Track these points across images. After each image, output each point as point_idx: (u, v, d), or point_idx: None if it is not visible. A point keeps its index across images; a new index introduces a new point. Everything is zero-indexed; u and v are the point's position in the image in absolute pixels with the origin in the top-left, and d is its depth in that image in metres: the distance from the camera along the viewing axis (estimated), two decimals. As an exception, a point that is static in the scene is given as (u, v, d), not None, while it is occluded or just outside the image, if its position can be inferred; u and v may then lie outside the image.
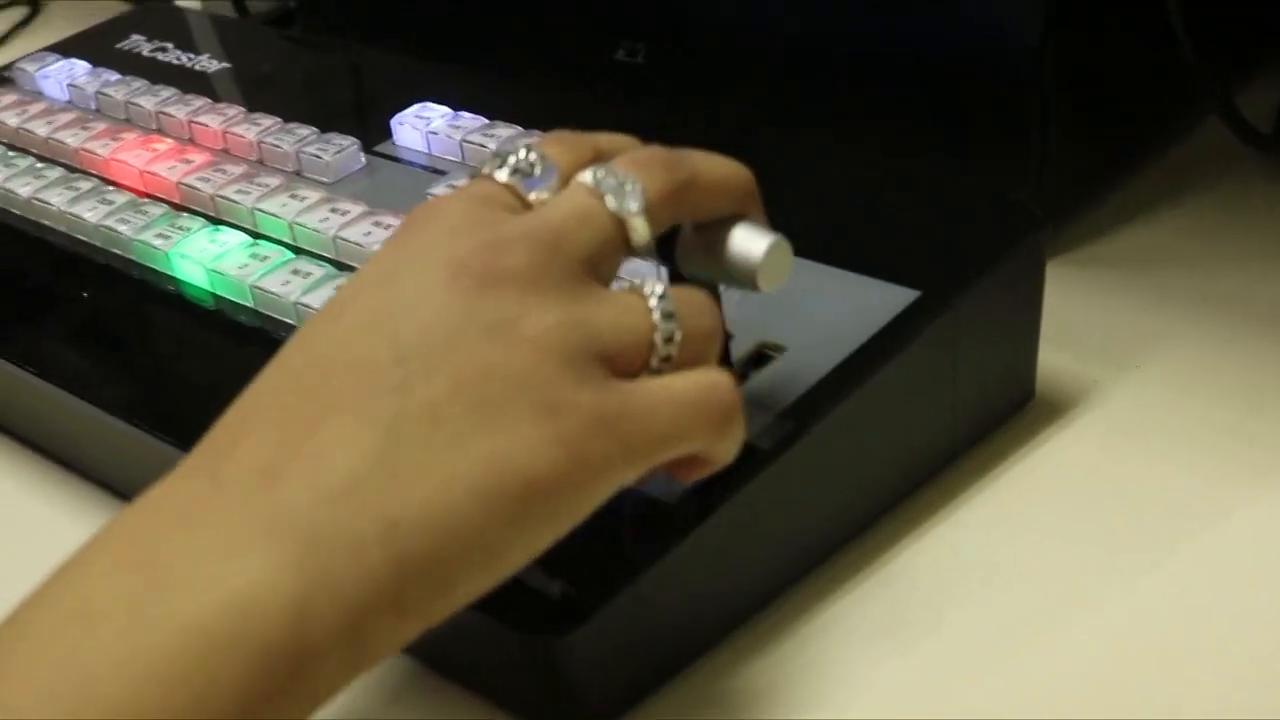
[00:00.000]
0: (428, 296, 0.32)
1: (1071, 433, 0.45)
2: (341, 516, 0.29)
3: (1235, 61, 0.59)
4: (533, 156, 0.35)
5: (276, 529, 0.29)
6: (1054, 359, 0.47)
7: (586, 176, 0.34)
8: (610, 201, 0.34)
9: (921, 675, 0.38)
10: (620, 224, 0.34)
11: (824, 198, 0.48)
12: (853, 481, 0.42)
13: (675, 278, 0.38)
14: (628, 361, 0.33)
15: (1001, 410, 0.46)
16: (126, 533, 0.30)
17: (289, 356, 0.33)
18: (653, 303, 0.33)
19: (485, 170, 0.35)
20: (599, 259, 0.33)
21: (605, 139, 0.37)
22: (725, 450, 0.34)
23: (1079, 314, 0.50)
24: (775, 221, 0.38)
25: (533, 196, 0.34)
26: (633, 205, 0.34)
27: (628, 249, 0.34)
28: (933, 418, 0.43)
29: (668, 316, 0.33)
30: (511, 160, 0.35)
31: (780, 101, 0.58)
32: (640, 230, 0.34)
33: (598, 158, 0.36)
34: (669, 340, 0.33)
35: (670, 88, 0.60)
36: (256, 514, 0.29)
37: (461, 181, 0.51)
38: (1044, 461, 0.44)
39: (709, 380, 0.33)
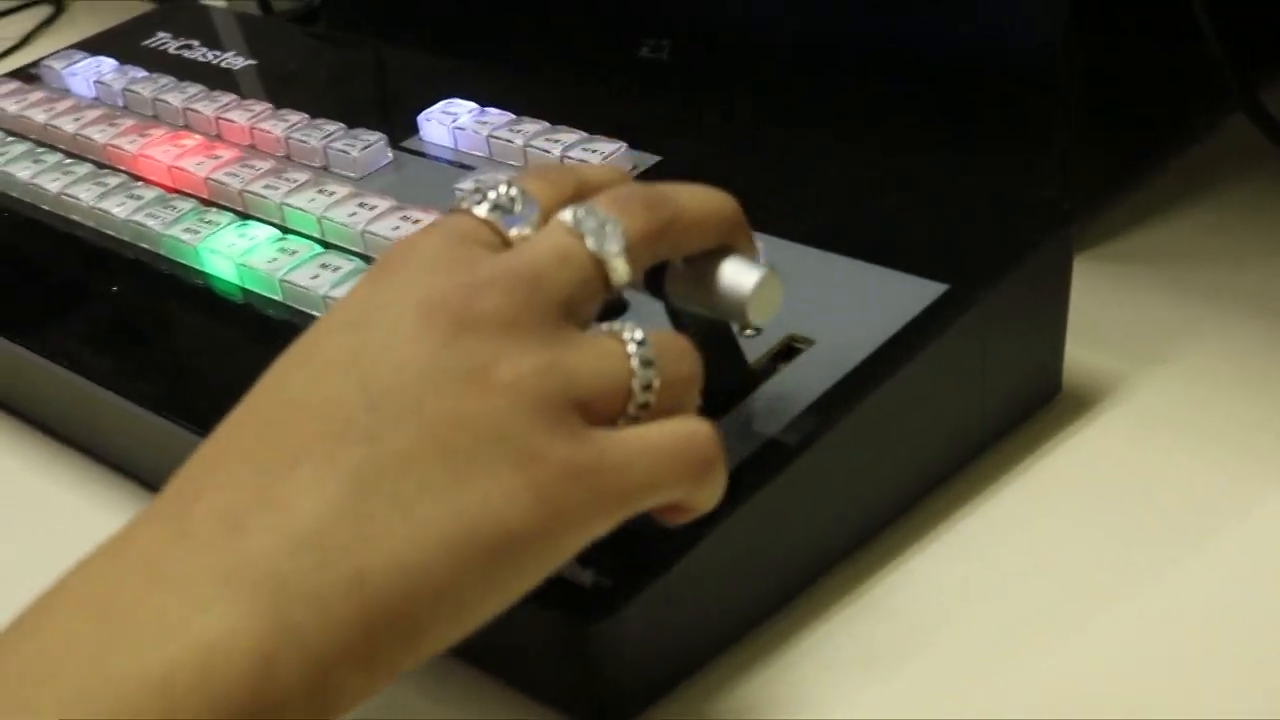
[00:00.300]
0: (401, 339, 0.31)
1: (1098, 427, 0.46)
2: (307, 567, 0.28)
3: (1261, 58, 0.59)
4: (513, 192, 0.34)
5: (241, 580, 0.28)
6: (1081, 353, 0.47)
7: (566, 216, 0.33)
8: (590, 242, 0.33)
9: (951, 667, 0.38)
10: (600, 265, 0.33)
11: (855, 194, 0.48)
12: (880, 473, 0.42)
13: (669, 310, 0.37)
14: (605, 408, 0.31)
15: (1028, 404, 0.46)
16: (90, 580, 0.29)
17: (257, 399, 0.32)
18: (631, 348, 0.32)
19: (464, 204, 0.34)
20: (578, 300, 0.32)
21: (590, 172, 0.36)
22: (706, 499, 0.33)
23: (1106, 309, 0.50)
24: (808, 216, 0.38)
25: (513, 233, 0.33)
26: (613, 246, 0.33)
27: (608, 290, 0.33)
28: (961, 410, 0.43)
29: (646, 363, 0.32)
30: (491, 195, 0.34)
31: (804, 101, 0.58)
32: (620, 271, 0.33)
33: (579, 193, 0.35)
34: (647, 388, 0.32)
35: (695, 85, 0.60)
36: (221, 564, 0.28)
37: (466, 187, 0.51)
38: (1071, 455, 0.45)
39: (687, 429, 0.32)
